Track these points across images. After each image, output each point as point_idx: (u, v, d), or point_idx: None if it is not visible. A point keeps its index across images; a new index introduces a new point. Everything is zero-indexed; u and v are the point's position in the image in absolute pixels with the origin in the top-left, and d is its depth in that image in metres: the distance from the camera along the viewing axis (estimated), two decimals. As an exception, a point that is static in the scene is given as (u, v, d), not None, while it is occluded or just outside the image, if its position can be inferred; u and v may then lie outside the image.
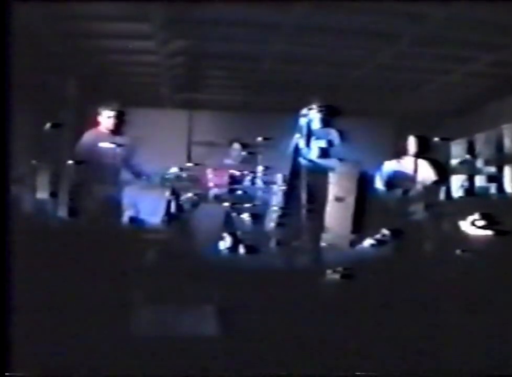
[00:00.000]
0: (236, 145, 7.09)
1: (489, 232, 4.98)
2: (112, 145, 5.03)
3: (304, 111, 5.17)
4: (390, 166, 5.71)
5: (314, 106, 5.24)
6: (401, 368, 2.83)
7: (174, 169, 5.56)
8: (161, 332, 3.19)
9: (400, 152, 5.77)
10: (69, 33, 6.25)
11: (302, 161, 5.11)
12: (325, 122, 5.28)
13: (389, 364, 2.85)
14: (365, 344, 3.03)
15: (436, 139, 5.40)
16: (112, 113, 5.21)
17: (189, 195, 5.84)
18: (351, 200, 5.34)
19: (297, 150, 5.22)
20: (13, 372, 2.51)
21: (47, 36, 6.02)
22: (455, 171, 5.46)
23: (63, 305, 3.18)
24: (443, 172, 5.53)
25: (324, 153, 5.25)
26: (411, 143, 5.65)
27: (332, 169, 5.17)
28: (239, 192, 6.18)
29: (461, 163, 5.41)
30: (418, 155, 5.62)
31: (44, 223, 5.17)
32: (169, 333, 3.18)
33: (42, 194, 6.47)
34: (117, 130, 5.23)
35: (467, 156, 5.35)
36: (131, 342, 2.96)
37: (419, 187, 5.50)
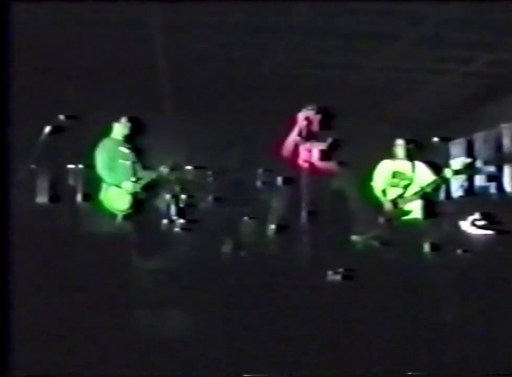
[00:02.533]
0: (237, 148, 7.10)
1: (489, 232, 4.98)
2: (128, 151, 5.30)
3: (303, 112, 5.15)
4: (388, 166, 5.71)
5: (313, 108, 5.23)
6: (401, 369, 2.83)
7: (175, 172, 5.59)
8: (161, 334, 3.19)
9: (397, 153, 5.76)
10: (69, 35, 6.25)
11: (302, 164, 5.10)
12: (325, 124, 5.27)
13: (390, 365, 2.85)
14: (366, 344, 3.03)
15: (435, 139, 5.39)
16: (128, 121, 5.46)
17: (190, 197, 5.83)
18: (351, 201, 5.33)
19: (297, 152, 5.21)
20: (13, 372, 2.51)
21: (47, 38, 6.02)
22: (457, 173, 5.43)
23: (64, 306, 3.18)
24: (440, 172, 5.53)
25: (324, 155, 5.24)
26: (410, 146, 5.64)
27: (333, 171, 5.16)
28: (240, 194, 6.18)
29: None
30: (415, 157, 5.62)
31: (44, 227, 5.17)
32: (170, 335, 3.19)
33: (42, 198, 6.47)
34: (132, 137, 5.46)
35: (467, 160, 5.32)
36: (131, 343, 2.96)
37: (416, 187, 5.50)
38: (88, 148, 5.44)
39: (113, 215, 5.30)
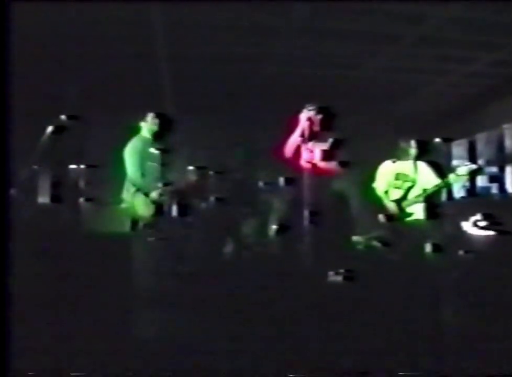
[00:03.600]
0: (239, 148, 7.09)
1: (491, 233, 4.97)
2: (157, 151, 5.11)
3: (305, 113, 5.15)
4: (389, 167, 5.70)
5: (314, 108, 5.22)
6: (403, 369, 2.82)
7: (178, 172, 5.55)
8: (161, 334, 3.19)
9: (399, 154, 5.76)
10: (69, 35, 6.26)
11: (304, 164, 5.10)
12: (326, 124, 5.27)
13: (391, 365, 2.85)
14: (368, 345, 3.02)
15: (437, 140, 5.39)
16: (156, 119, 5.31)
17: (192, 198, 5.83)
18: (352, 201, 5.32)
19: (298, 152, 5.21)
20: (13, 372, 2.51)
21: (47, 38, 6.03)
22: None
23: (64, 307, 3.18)
24: (443, 174, 5.51)
25: (325, 155, 5.24)
26: (413, 147, 5.63)
27: (334, 171, 5.15)
28: (241, 195, 6.17)
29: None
30: (418, 158, 5.61)
31: (45, 228, 5.18)
32: (169, 335, 3.19)
33: (44, 199, 6.47)
34: (160, 136, 5.32)
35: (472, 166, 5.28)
36: (131, 343, 2.96)
37: (419, 188, 5.49)
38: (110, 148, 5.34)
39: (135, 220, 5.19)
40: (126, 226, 5.20)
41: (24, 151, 3.67)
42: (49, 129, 4.20)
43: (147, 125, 5.32)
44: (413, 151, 5.59)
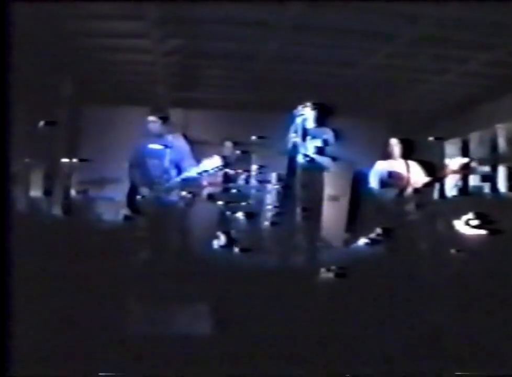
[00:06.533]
0: (229, 144, 7.07)
1: (483, 232, 5.00)
2: (161, 147, 5.18)
3: (299, 109, 5.15)
4: (383, 165, 5.71)
5: (309, 105, 5.23)
6: (396, 367, 2.84)
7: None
8: (156, 331, 3.19)
9: (389, 153, 5.78)
10: (66, 32, 6.24)
11: (298, 160, 5.11)
12: (320, 121, 5.27)
13: (384, 363, 2.86)
14: (360, 343, 3.04)
15: (430, 139, 5.41)
16: (155, 118, 5.35)
17: (183, 193, 5.83)
18: (345, 199, 5.35)
19: (293, 148, 5.22)
20: (13, 373, 2.50)
21: (44, 35, 6.00)
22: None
23: (59, 303, 3.18)
24: (434, 173, 5.54)
25: (319, 152, 5.25)
26: (394, 146, 5.66)
27: (327, 168, 5.16)
28: (233, 191, 6.16)
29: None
30: (403, 157, 5.63)
31: (38, 220, 5.18)
32: (164, 332, 3.19)
33: (36, 192, 6.47)
34: (161, 135, 5.37)
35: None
36: (129, 342, 2.96)
37: (411, 186, 5.51)
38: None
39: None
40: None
41: (18, 146, 3.67)
42: (42, 123, 4.20)
43: (152, 124, 5.37)
44: (405, 149, 5.62)
